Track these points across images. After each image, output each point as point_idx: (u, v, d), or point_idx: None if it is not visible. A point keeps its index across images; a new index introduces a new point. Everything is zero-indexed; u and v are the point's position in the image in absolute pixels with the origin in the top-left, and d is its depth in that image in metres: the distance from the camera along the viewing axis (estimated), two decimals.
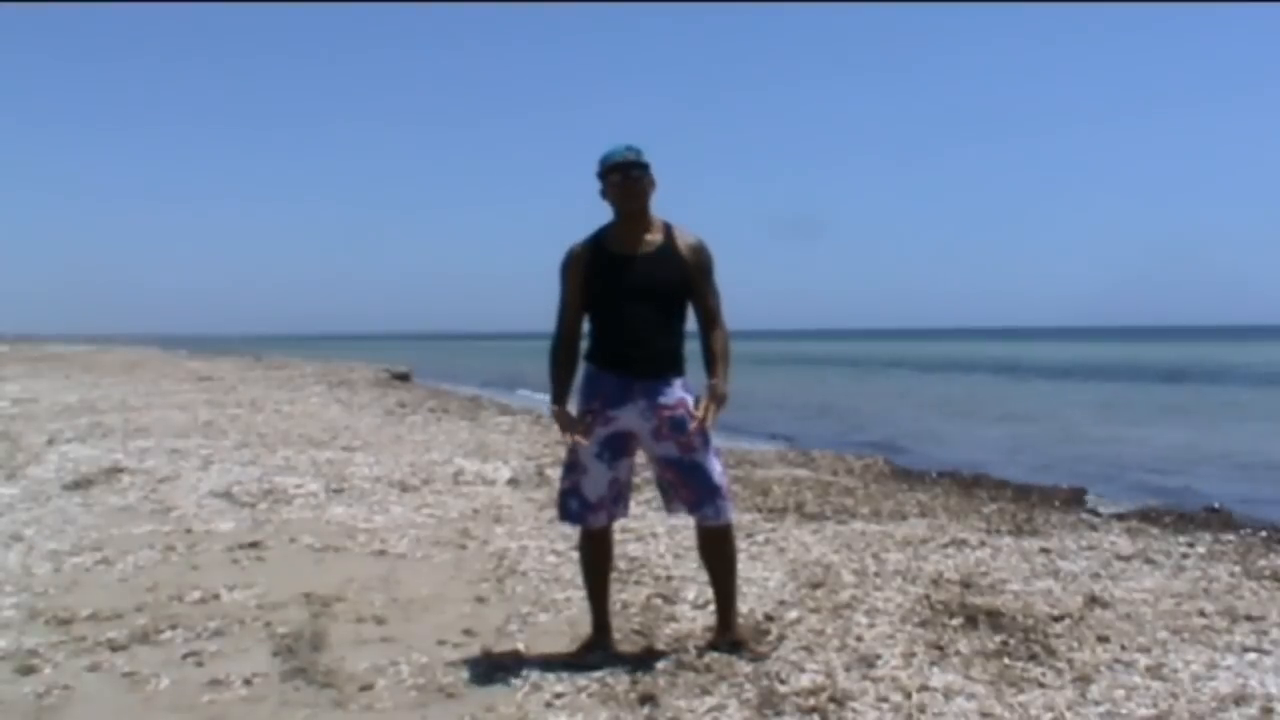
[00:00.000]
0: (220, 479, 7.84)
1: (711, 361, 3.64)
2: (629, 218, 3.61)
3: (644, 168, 3.57)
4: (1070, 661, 3.67)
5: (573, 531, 5.52)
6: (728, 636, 3.78)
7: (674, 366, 3.63)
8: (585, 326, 3.73)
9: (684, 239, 3.63)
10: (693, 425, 3.55)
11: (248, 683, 3.47)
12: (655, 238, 3.61)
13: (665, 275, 3.57)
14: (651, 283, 3.56)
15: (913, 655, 3.72)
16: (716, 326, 3.68)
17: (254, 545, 5.50)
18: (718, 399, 3.57)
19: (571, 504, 3.69)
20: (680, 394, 3.59)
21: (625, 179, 3.56)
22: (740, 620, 3.91)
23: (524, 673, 3.54)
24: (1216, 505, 8.07)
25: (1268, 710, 3.24)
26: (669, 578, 4.86)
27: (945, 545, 5.71)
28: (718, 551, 3.76)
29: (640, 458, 3.78)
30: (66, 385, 20.75)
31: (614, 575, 4.04)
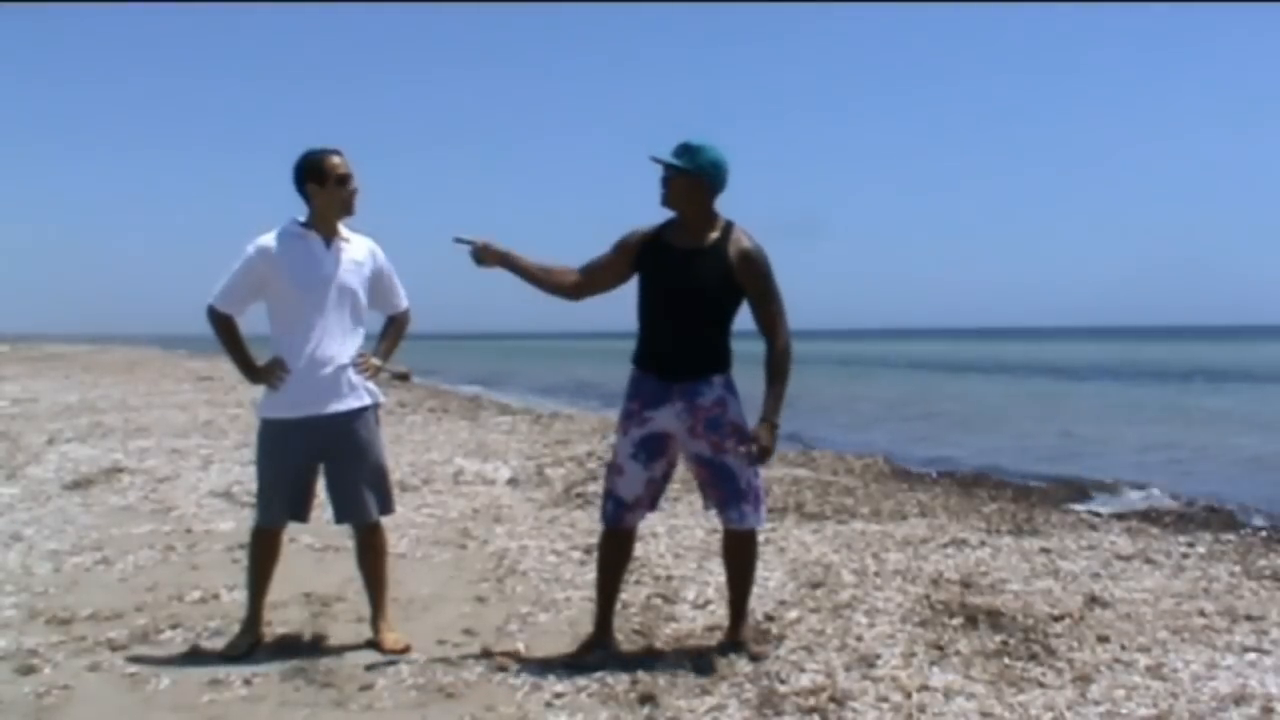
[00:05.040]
0: (220, 479, 7.84)
1: (770, 385, 3.60)
2: (679, 216, 3.63)
3: (678, 170, 3.54)
4: (1070, 661, 3.67)
5: (573, 531, 5.51)
6: (734, 636, 3.79)
7: (715, 365, 3.61)
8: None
9: (737, 242, 3.58)
10: (744, 449, 3.56)
11: (248, 683, 3.47)
12: (712, 235, 3.59)
13: (704, 273, 3.54)
14: (690, 280, 3.55)
15: (913, 655, 3.72)
16: (774, 339, 3.61)
17: None
18: (771, 428, 3.57)
19: (607, 506, 3.74)
20: (720, 392, 3.58)
21: (662, 182, 3.59)
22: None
23: (524, 673, 3.54)
24: (1216, 505, 8.07)
25: (1268, 710, 3.24)
26: (669, 578, 4.86)
27: (945, 545, 5.72)
28: (735, 555, 3.78)
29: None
30: (66, 385, 20.75)
31: None
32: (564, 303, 3.76)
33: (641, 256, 3.64)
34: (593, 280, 3.72)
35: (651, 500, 3.74)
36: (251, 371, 3.78)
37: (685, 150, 3.56)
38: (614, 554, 3.78)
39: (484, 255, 3.66)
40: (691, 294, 3.55)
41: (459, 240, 3.68)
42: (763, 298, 3.60)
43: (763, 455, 3.58)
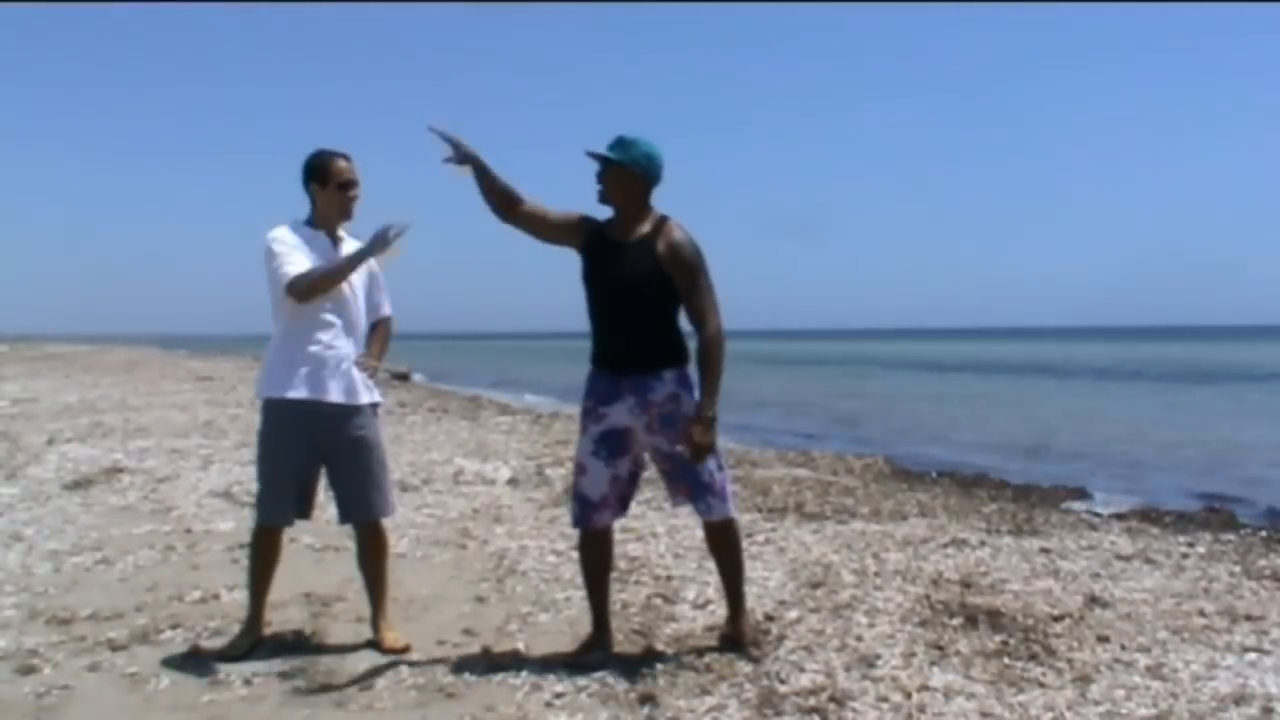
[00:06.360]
0: (220, 479, 7.84)
1: (700, 377, 3.55)
2: (615, 211, 3.65)
3: (612, 163, 3.56)
4: (1070, 661, 3.67)
5: (573, 531, 5.49)
6: (733, 629, 3.80)
7: (665, 359, 3.59)
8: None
9: (668, 234, 3.58)
10: (679, 449, 3.53)
11: (248, 683, 3.47)
12: (644, 229, 3.60)
13: (635, 266, 3.55)
14: (625, 273, 3.56)
15: (913, 655, 3.72)
16: (702, 330, 3.57)
17: None
18: (703, 423, 3.49)
19: (575, 508, 3.74)
20: (672, 388, 3.57)
21: (597, 176, 3.61)
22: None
23: (524, 673, 3.54)
24: (1216, 505, 8.07)
25: (1268, 710, 3.24)
26: (669, 578, 4.87)
27: (945, 545, 5.72)
28: (716, 545, 3.80)
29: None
30: (66, 385, 20.75)
31: (614, 575, 4.04)
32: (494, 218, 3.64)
33: (587, 244, 3.65)
34: (532, 217, 3.65)
35: (620, 501, 3.72)
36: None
37: (620, 144, 3.58)
38: (593, 555, 3.78)
39: (458, 154, 3.55)
40: (624, 288, 3.56)
41: (433, 131, 3.57)
42: (690, 289, 3.56)
43: (696, 453, 3.52)
